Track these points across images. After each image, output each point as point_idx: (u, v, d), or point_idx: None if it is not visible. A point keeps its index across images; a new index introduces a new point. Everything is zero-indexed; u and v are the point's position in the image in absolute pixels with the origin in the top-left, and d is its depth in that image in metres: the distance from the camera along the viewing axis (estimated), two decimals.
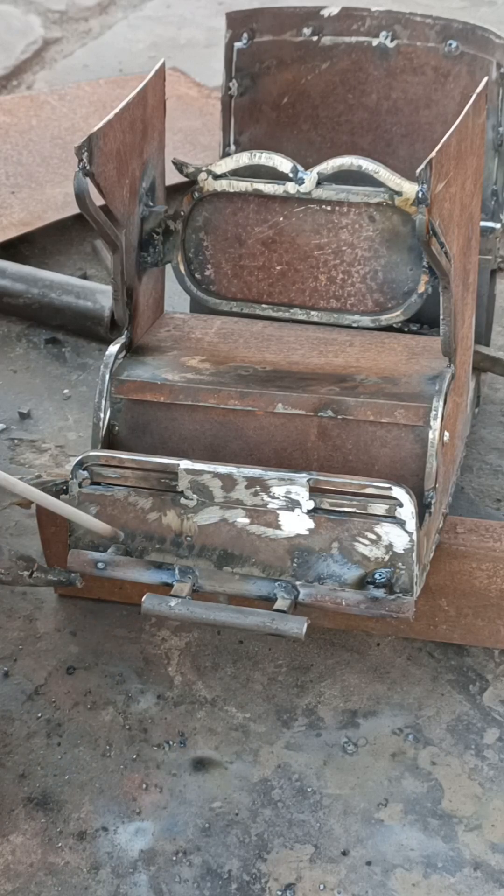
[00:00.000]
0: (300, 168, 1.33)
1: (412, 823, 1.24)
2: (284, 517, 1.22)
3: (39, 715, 1.33)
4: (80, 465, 1.26)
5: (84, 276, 1.84)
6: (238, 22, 1.52)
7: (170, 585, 1.24)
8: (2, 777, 1.28)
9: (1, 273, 1.76)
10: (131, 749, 1.30)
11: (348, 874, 1.21)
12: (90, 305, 1.72)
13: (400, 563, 1.20)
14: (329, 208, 1.34)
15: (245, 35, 1.52)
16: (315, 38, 1.51)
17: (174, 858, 1.22)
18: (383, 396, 1.27)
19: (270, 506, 1.22)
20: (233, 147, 1.54)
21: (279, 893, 1.19)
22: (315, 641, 1.38)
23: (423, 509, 1.22)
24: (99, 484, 1.25)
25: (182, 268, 1.39)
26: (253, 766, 1.29)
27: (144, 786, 1.27)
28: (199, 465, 1.20)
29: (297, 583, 1.22)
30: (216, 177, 1.35)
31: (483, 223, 1.43)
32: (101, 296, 1.73)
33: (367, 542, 1.20)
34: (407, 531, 1.19)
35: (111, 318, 1.71)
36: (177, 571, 1.24)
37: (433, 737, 1.30)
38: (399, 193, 1.30)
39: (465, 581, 1.32)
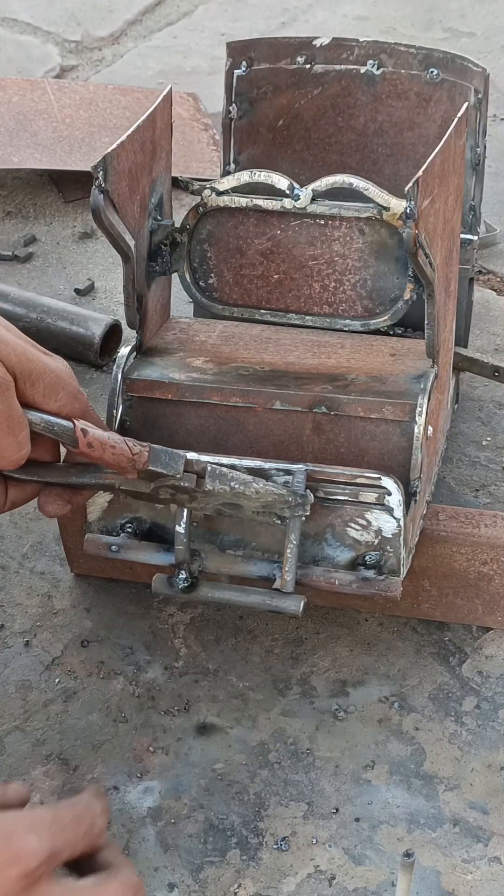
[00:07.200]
0: (296, 185, 1.32)
1: (397, 783, 1.24)
2: None
3: (57, 681, 1.32)
4: None
5: (91, 286, 1.82)
6: (238, 51, 1.51)
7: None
8: (21, 741, 1.28)
9: (4, 297, 1.72)
10: (140, 715, 1.30)
11: (338, 829, 1.21)
12: (82, 332, 1.67)
13: (388, 547, 1.20)
14: (322, 222, 1.33)
15: (244, 63, 1.51)
16: (308, 66, 1.51)
17: (180, 815, 1.22)
18: (372, 394, 1.27)
19: None
20: (232, 165, 1.53)
21: (275, 846, 1.19)
22: (309, 618, 1.38)
23: (409, 497, 1.22)
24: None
25: (188, 276, 1.39)
26: (251, 731, 1.28)
27: (152, 749, 1.27)
28: (204, 457, 1.20)
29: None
30: (219, 193, 1.35)
31: (462, 235, 1.43)
32: (92, 323, 1.68)
33: (358, 527, 1.20)
34: (395, 517, 1.19)
35: (101, 344, 1.67)
36: None
37: (416, 704, 1.30)
38: (387, 209, 1.30)
39: (446, 564, 1.32)
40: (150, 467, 1.12)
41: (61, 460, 1.17)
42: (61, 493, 1.16)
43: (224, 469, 1.16)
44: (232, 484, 1.15)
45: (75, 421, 1.10)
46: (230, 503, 1.17)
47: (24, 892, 0.86)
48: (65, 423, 1.10)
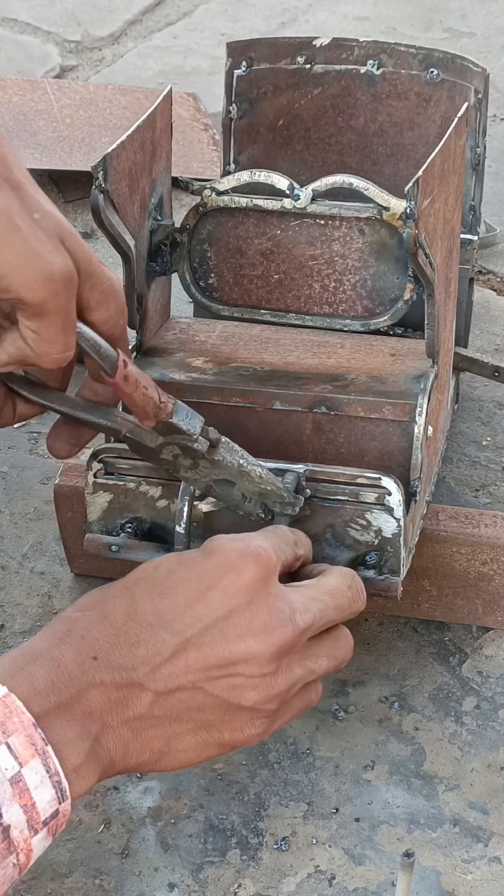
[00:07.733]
0: (296, 185, 1.32)
1: (397, 783, 1.24)
2: None
3: None
4: (94, 456, 1.25)
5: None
6: (238, 51, 1.51)
7: None
8: None
9: None
10: None
11: (339, 829, 1.21)
12: None
13: (388, 547, 1.20)
14: (322, 222, 1.33)
15: (244, 63, 1.51)
16: (308, 66, 1.50)
17: (180, 815, 1.21)
18: (372, 394, 1.27)
19: None
20: (232, 165, 1.53)
21: (275, 846, 1.19)
22: None
23: (409, 497, 1.22)
24: (112, 474, 1.25)
25: (188, 276, 1.38)
26: None
27: None
28: None
29: None
30: (219, 193, 1.35)
31: (462, 235, 1.43)
32: None
33: (358, 527, 1.20)
34: (395, 517, 1.19)
35: None
36: None
37: (416, 704, 1.30)
38: (387, 209, 1.30)
39: (445, 564, 1.32)
40: (172, 420, 1.11)
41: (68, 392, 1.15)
42: (69, 434, 1.15)
43: (236, 445, 1.16)
44: (240, 460, 1.16)
45: (119, 350, 1.08)
46: (223, 480, 1.16)
47: (261, 586, 1.00)
48: (111, 348, 1.08)
